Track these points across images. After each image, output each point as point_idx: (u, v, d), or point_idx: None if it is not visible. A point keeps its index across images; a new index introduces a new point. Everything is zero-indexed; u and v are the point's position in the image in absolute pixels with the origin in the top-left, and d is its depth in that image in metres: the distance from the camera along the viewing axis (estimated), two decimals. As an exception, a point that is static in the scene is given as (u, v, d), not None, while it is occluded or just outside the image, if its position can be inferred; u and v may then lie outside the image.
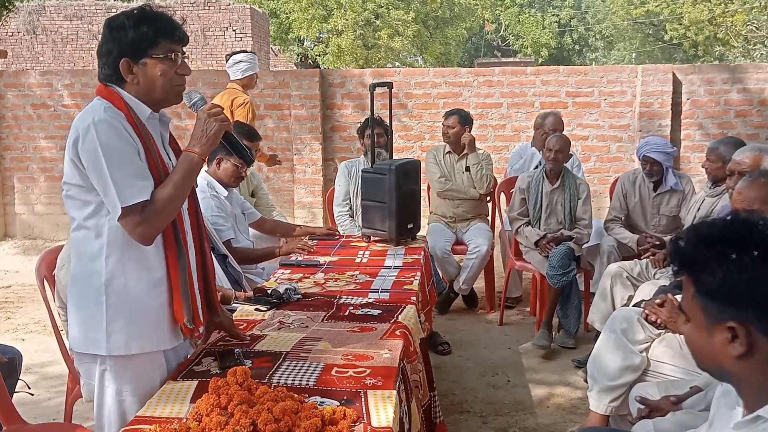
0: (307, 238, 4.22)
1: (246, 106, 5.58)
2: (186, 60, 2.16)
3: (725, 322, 1.33)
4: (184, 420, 1.84)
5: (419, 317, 3.16)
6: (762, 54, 20.81)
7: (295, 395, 1.90)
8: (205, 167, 3.93)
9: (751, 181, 2.91)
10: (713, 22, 21.18)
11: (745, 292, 1.31)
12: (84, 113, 2.07)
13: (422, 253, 3.96)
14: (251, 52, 6.18)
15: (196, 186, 2.42)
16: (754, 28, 21.09)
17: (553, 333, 4.71)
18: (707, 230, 1.36)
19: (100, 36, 2.13)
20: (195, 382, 2.12)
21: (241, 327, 2.62)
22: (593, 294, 4.49)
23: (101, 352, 2.11)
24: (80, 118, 2.06)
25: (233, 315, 2.77)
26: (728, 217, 1.37)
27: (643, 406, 2.58)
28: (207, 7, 18.14)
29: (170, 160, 2.20)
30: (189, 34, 2.23)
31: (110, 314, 2.09)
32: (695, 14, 21.11)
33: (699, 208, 4.31)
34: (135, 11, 2.08)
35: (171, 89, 2.13)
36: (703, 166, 4.32)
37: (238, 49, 6.46)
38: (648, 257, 4.36)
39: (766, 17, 19.93)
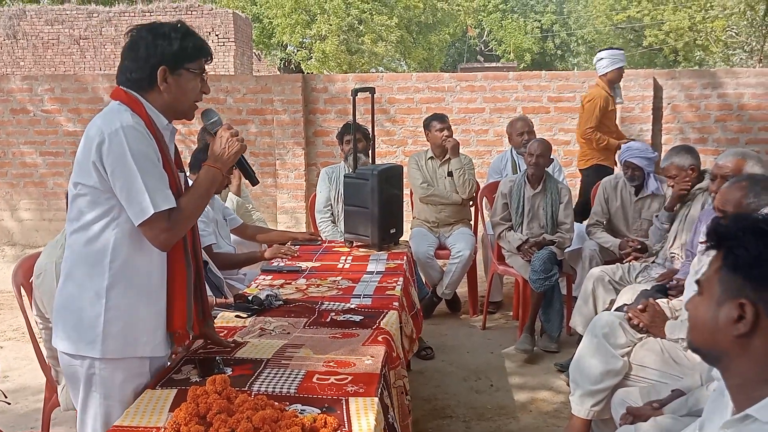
0: (289, 243, 4.20)
1: (593, 102, 5.86)
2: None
3: (739, 298, 1.37)
4: (162, 430, 1.81)
5: (407, 322, 3.15)
6: (741, 59, 21.03)
7: (276, 403, 1.88)
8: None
9: (733, 183, 2.95)
10: (693, 28, 21.40)
11: None
12: (106, 116, 2.07)
13: (405, 258, 3.95)
14: (617, 48, 6.39)
15: None
16: (733, 34, 21.34)
17: (536, 337, 4.72)
18: (751, 217, 1.44)
19: (132, 40, 2.12)
20: (174, 391, 2.09)
21: (222, 334, 2.59)
22: (575, 298, 4.51)
23: (95, 354, 2.10)
24: (104, 121, 2.06)
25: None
26: None
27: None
28: (190, 12, 18.05)
29: (179, 172, 2.23)
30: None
31: (108, 317, 2.09)
32: (676, 21, 21.32)
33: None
34: (179, 25, 2.16)
35: (192, 105, 2.23)
36: (669, 185, 4.30)
37: (606, 47, 6.63)
38: (630, 261, 4.39)
39: (745, 23, 20.15)
